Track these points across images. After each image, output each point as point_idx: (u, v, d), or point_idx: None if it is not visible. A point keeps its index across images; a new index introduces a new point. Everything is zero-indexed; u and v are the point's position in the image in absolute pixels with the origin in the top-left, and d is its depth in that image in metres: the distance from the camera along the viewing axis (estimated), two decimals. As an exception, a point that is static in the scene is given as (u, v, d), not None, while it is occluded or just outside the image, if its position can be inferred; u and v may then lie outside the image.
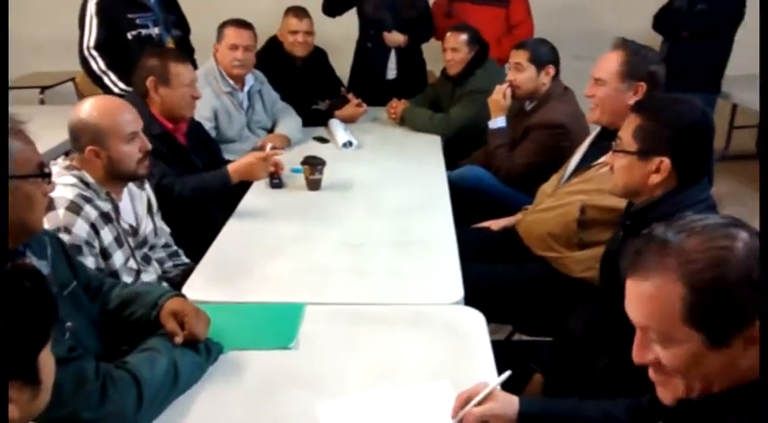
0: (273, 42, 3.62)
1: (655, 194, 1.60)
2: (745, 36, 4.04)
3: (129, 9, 3.16)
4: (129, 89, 3.13)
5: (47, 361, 0.90)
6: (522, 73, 2.86)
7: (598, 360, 1.65)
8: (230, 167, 2.50)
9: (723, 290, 0.91)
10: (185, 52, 3.37)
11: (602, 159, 2.15)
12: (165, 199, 2.29)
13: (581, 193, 2.16)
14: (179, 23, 3.47)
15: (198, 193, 2.43)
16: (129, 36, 3.17)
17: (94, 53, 3.13)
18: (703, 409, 0.99)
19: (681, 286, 0.92)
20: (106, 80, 3.14)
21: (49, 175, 1.39)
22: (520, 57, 2.86)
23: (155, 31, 3.25)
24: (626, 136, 1.63)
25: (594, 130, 2.35)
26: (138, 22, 3.18)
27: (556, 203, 2.25)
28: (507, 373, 1.37)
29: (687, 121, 1.57)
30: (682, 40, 3.98)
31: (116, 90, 3.07)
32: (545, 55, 2.85)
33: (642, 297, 0.97)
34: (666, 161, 1.56)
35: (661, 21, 4.13)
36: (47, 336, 0.88)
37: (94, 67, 3.15)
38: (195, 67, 3.28)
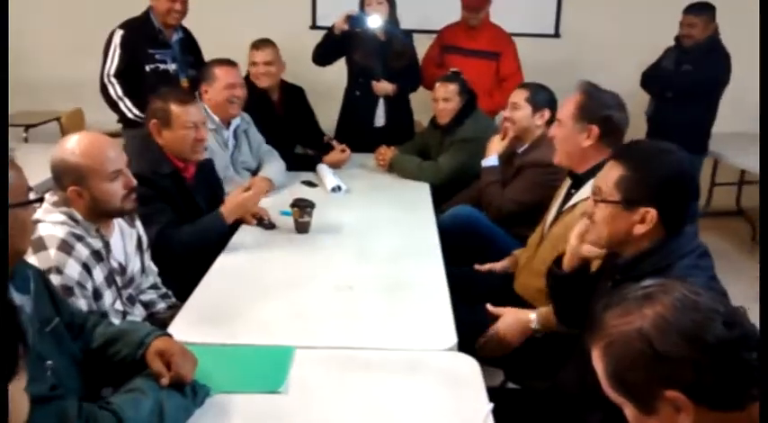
0: (246, 79, 3.62)
1: (641, 245, 1.54)
2: (725, 94, 4.11)
3: (150, 44, 3.46)
4: (143, 116, 3.18)
5: (16, 395, 0.86)
6: (517, 111, 2.90)
7: (591, 415, 1.60)
8: (222, 208, 2.48)
9: (618, 368, 0.98)
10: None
11: (572, 202, 2.16)
12: (166, 248, 2.26)
13: (565, 240, 2.12)
14: (196, 66, 3.60)
15: (196, 238, 2.38)
16: (147, 68, 3.46)
17: (113, 80, 3.42)
18: None
19: (602, 357, 1.00)
20: (122, 106, 3.41)
21: (41, 199, 1.37)
22: (518, 96, 2.92)
23: (171, 66, 3.53)
24: (607, 185, 1.57)
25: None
26: (157, 57, 3.48)
27: (543, 256, 2.21)
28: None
29: (672, 171, 1.53)
30: (666, 100, 4.03)
31: (130, 115, 3.38)
32: (542, 98, 2.90)
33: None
34: (653, 212, 1.50)
35: (649, 79, 4.18)
36: (14, 366, 0.85)
37: (112, 92, 3.42)
38: None
